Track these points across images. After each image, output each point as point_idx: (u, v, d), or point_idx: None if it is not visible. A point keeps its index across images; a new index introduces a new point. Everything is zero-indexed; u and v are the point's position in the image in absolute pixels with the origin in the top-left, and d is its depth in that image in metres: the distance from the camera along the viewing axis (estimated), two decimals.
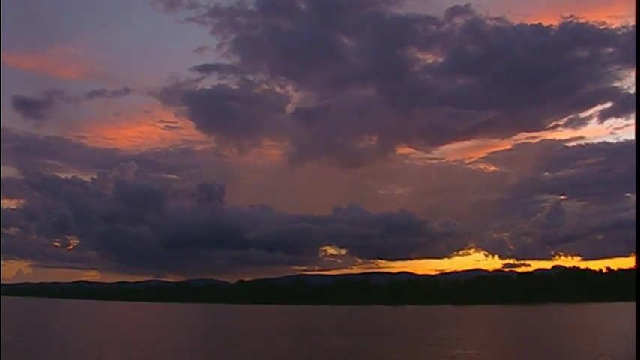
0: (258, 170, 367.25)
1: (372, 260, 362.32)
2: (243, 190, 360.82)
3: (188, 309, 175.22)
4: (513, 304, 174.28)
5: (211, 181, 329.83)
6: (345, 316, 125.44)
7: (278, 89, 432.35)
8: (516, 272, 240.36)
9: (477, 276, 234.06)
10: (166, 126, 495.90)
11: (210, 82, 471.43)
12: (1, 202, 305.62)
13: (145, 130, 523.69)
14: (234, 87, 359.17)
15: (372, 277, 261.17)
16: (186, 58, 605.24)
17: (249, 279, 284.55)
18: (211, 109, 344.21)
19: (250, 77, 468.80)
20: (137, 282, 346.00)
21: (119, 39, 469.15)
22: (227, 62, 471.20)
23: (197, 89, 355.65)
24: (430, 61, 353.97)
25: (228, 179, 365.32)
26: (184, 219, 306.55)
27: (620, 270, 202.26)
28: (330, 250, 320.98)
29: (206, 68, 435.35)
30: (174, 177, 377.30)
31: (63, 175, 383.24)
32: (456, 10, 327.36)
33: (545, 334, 64.26)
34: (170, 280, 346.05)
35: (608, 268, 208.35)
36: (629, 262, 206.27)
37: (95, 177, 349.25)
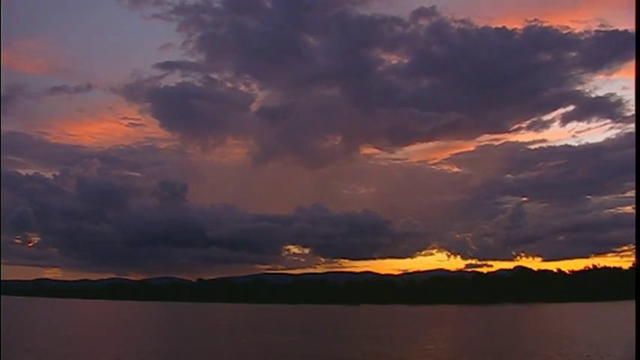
0: (222, 169, 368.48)
1: (335, 260, 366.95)
2: (207, 189, 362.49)
3: (147, 307, 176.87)
4: (473, 304, 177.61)
5: (174, 179, 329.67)
6: (296, 315, 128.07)
7: (243, 88, 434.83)
8: (478, 272, 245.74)
9: (436, 276, 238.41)
10: (130, 123, 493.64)
11: (174, 79, 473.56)
12: None
13: (109, 127, 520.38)
14: (198, 85, 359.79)
15: (334, 276, 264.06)
16: (151, 54, 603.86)
17: (211, 278, 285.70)
18: (175, 107, 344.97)
19: (215, 75, 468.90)
20: (99, 280, 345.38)
21: (83, 34, 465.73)
22: (192, 60, 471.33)
23: (161, 86, 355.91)
24: (395, 62, 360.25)
25: (192, 177, 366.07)
26: (147, 217, 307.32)
27: (580, 271, 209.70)
28: (294, 249, 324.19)
29: (169, 65, 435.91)
30: (137, 174, 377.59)
31: (24, 172, 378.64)
32: (421, 12, 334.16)
33: (495, 334, 67.54)
34: (132, 278, 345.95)
35: (569, 270, 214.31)
36: (588, 263, 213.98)
37: (57, 173, 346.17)
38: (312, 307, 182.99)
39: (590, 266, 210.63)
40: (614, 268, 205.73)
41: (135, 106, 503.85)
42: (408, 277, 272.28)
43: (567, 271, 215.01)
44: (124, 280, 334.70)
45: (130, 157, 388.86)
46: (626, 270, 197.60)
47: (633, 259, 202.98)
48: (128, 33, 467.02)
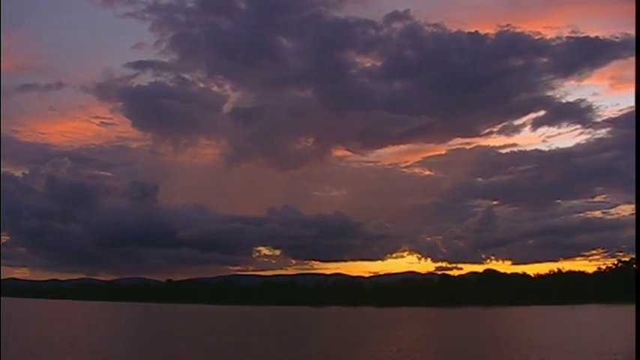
0: (194, 169, 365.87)
1: (306, 261, 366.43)
2: (178, 189, 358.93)
3: (114, 308, 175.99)
4: (441, 307, 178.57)
5: (145, 179, 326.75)
6: (260, 316, 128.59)
7: (215, 88, 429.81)
8: (448, 275, 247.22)
9: (406, 279, 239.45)
10: (101, 122, 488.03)
11: (146, 79, 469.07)
12: None
13: (80, 126, 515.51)
14: (171, 85, 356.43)
15: (304, 278, 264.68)
16: (124, 53, 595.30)
17: (181, 279, 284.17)
18: (147, 107, 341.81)
19: (188, 75, 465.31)
20: (68, 280, 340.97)
21: (55, 32, 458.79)
22: (165, 59, 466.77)
23: (133, 86, 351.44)
24: (368, 64, 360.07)
25: (163, 178, 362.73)
26: (117, 217, 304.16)
27: (548, 275, 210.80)
28: (264, 250, 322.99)
29: (141, 65, 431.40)
30: (108, 174, 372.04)
31: None
32: (395, 16, 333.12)
33: (452, 336, 68.71)
34: (102, 278, 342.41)
35: (538, 273, 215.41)
36: (557, 267, 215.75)
37: (27, 172, 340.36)
38: (280, 308, 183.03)
39: (557, 270, 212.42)
40: (581, 272, 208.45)
41: (106, 105, 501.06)
42: (378, 279, 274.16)
43: (536, 275, 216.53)
44: (94, 281, 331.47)
45: (101, 156, 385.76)
46: (591, 274, 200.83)
47: (601, 263, 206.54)
48: (100, 31, 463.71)
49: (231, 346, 55.01)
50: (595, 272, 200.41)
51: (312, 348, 53.76)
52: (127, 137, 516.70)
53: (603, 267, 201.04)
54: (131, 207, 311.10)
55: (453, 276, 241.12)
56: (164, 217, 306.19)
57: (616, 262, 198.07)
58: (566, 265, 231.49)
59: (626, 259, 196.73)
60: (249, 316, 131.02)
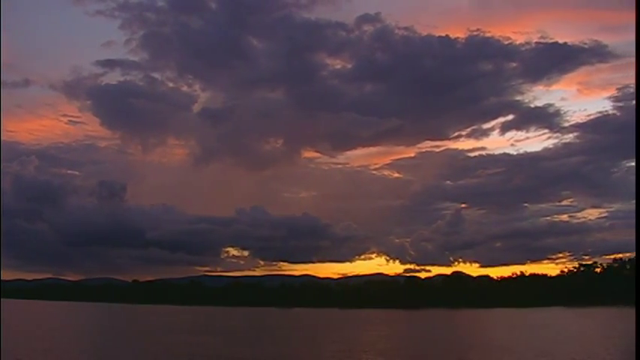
0: (163, 169, 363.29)
1: (275, 263, 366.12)
2: (147, 189, 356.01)
3: (78, 308, 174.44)
4: (406, 309, 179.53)
5: (113, 179, 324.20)
6: (223, 317, 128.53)
7: (185, 88, 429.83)
8: (416, 277, 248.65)
9: (374, 280, 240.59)
10: (70, 120, 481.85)
11: (115, 77, 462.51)
12: None
13: (48, 124, 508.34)
14: (140, 84, 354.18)
15: (272, 279, 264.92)
16: (93, 52, 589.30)
17: (148, 279, 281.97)
18: (116, 106, 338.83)
19: (157, 75, 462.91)
20: (34, 280, 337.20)
21: (22, 28, 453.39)
22: (135, 58, 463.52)
23: (102, 84, 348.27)
24: (339, 66, 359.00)
25: (132, 177, 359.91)
26: (85, 216, 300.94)
27: (514, 277, 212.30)
28: (233, 251, 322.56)
29: (110, 63, 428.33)
30: (76, 173, 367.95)
31: None
32: (366, 18, 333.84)
33: (408, 337, 69.74)
34: (69, 278, 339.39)
35: (504, 276, 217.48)
36: (524, 270, 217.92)
37: None
38: (245, 309, 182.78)
39: (520, 272, 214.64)
40: (544, 275, 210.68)
41: (75, 104, 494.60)
42: (345, 280, 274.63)
43: (500, 278, 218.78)
44: (60, 281, 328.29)
45: (69, 155, 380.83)
46: (555, 277, 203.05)
47: (563, 266, 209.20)
48: (70, 29, 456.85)
49: (180, 346, 54.97)
50: (558, 275, 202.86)
51: (267, 348, 53.98)
52: (95, 136, 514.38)
53: (566, 270, 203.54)
54: (99, 206, 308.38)
55: (421, 278, 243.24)
56: (132, 217, 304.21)
57: (577, 266, 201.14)
58: (533, 269, 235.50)
59: (589, 262, 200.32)
60: (210, 317, 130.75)
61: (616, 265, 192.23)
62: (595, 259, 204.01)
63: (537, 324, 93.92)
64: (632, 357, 36.78)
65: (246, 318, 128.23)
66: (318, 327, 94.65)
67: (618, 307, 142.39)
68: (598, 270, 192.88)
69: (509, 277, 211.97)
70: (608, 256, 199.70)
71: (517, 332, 75.60)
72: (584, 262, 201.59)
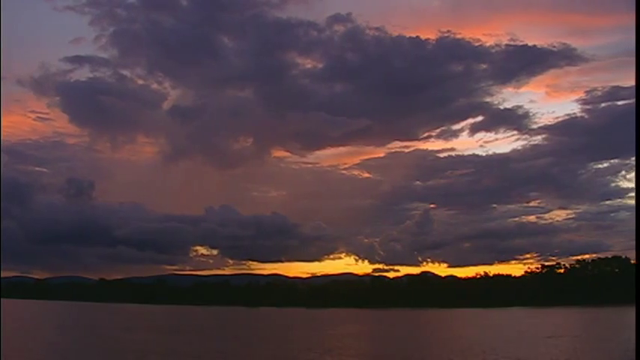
0: (132, 167, 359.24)
1: (243, 262, 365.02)
2: (115, 187, 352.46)
3: (41, 307, 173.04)
4: (373, 308, 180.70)
5: (82, 176, 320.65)
6: (185, 316, 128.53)
7: (155, 85, 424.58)
8: (385, 277, 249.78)
9: (342, 280, 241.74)
10: (38, 117, 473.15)
11: (84, 74, 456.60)
12: None
13: (15, 120, 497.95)
14: (110, 81, 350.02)
15: (241, 278, 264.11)
16: (62, 48, 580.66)
17: (115, 277, 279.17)
18: (85, 102, 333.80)
19: (127, 72, 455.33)
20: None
21: None
22: (104, 55, 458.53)
23: (71, 81, 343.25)
24: (309, 66, 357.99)
25: (100, 175, 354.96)
26: (52, 214, 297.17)
27: (478, 277, 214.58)
28: (202, 250, 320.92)
29: (78, 60, 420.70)
30: (44, 170, 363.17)
31: None
32: (337, 18, 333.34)
33: (364, 337, 70.49)
34: (36, 276, 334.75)
35: (471, 276, 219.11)
36: (493, 270, 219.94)
37: None
38: (211, 308, 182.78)
39: (484, 273, 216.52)
40: (509, 275, 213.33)
41: (43, 100, 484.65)
42: (314, 280, 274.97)
43: (467, 278, 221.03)
44: (27, 279, 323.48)
45: (36, 152, 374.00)
46: (519, 277, 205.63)
47: (529, 267, 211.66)
48: (38, 24, 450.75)
49: (132, 343, 55.12)
50: (522, 276, 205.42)
51: (218, 345, 54.40)
52: (63, 133, 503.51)
53: (530, 271, 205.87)
54: (67, 204, 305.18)
55: (389, 278, 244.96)
56: (100, 215, 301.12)
57: (540, 267, 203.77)
58: (500, 269, 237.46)
59: (552, 263, 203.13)
60: (173, 316, 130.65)
61: (578, 266, 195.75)
62: (561, 260, 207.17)
63: (494, 324, 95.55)
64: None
65: (210, 317, 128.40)
66: (281, 326, 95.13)
67: (580, 307, 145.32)
68: (561, 271, 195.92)
69: (475, 278, 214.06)
70: (574, 257, 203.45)
71: (473, 331, 76.86)
72: (546, 264, 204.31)
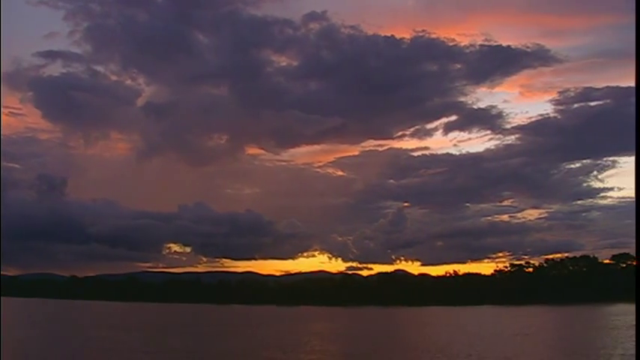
0: (105, 163, 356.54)
1: (217, 259, 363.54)
2: (88, 183, 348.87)
3: (13, 304, 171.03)
4: (346, 306, 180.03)
5: (54, 172, 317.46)
6: (154, 314, 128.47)
7: (129, 82, 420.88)
8: (358, 275, 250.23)
9: (314, 278, 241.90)
10: (10, 112, 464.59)
11: (57, 69, 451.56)
12: None
13: None
14: (83, 76, 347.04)
15: (214, 276, 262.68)
16: (36, 43, 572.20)
17: (87, 275, 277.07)
18: (59, 98, 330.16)
19: (101, 68, 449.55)
20: None
21: None
22: (78, 51, 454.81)
23: (44, 76, 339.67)
24: (284, 63, 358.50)
25: (73, 171, 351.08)
26: (24, 210, 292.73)
27: (447, 276, 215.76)
28: (175, 247, 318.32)
29: (52, 55, 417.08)
30: (16, 166, 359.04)
31: None
32: (312, 16, 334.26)
33: (321, 334, 70.70)
34: (7, 273, 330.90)
35: (441, 274, 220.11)
36: (464, 269, 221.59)
37: None
38: (182, 305, 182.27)
39: (454, 272, 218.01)
40: (480, 274, 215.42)
41: (16, 95, 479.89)
42: (287, 278, 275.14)
43: (438, 276, 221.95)
44: None
45: (8, 147, 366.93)
46: (489, 276, 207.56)
47: (498, 265, 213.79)
48: (11, 18, 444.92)
49: (92, 340, 55.05)
50: (492, 275, 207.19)
51: (174, 342, 54.42)
52: (36, 129, 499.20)
53: (499, 269, 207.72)
54: (39, 200, 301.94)
55: (362, 276, 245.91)
56: (73, 212, 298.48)
57: (508, 266, 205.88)
58: (471, 268, 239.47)
59: (521, 262, 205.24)
60: (143, 313, 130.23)
61: (546, 265, 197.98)
62: (532, 259, 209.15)
63: (459, 322, 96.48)
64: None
65: (177, 314, 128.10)
66: (247, 323, 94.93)
67: (548, 306, 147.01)
68: (530, 270, 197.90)
69: (447, 276, 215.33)
70: (546, 256, 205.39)
71: (436, 330, 77.53)
72: (515, 263, 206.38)
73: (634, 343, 48.91)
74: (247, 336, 64.99)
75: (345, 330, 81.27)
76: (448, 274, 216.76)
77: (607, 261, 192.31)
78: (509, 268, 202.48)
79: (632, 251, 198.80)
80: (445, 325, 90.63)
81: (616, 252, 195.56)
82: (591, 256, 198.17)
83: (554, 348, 50.66)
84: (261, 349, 50.30)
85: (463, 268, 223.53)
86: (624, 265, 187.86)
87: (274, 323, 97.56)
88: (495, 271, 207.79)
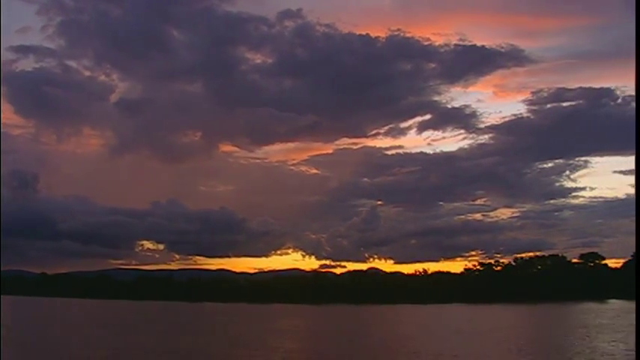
0: (77, 159, 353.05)
1: (191, 257, 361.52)
2: (60, 179, 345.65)
3: None
4: (317, 304, 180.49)
5: (26, 168, 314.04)
6: (123, 311, 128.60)
7: (103, 77, 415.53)
8: (331, 273, 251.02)
9: (286, 276, 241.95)
10: None
11: (29, 64, 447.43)
12: None
13: None
14: (56, 71, 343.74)
15: (187, 273, 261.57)
16: (8, 37, 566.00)
17: (58, 272, 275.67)
18: (31, 93, 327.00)
19: (74, 63, 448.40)
20: None
21: None
22: (51, 45, 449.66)
23: (17, 70, 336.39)
24: (259, 61, 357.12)
25: (45, 167, 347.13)
26: None
27: (421, 274, 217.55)
28: (148, 244, 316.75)
29: (23, 49, 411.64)
30: None
31: None
32: (287, 14, 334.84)
33: (281, 331, 71.45)
34: None
35: (412, 273, 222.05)
36: (435, 267, 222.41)
37: None
38: (153, 303, 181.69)
39: (424, 270, 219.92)
40: (450, 272, 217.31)
41: None
42: (260, 275, 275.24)
43: (410, 274, 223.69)
44: None
45: None
46: (459, 274, 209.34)
47: (466, 264, 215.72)
48: None
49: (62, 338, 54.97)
50: (462, 273, 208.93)
51: (131, 339, 54.41)
52: (8, 124, 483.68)
53: (468, 268, 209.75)
54: (10, 196, 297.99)
55: (335, 274, 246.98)
56: (44, 208, 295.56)
57: (476, 264, 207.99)
58: (442, 266, 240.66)
59: (489, 261, 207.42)
60: (112, 310, 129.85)
61: (515, 264, 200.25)
62: (501, 258, 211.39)
63: (423, 320, 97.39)
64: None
65: (147, 311, 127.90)
66: (213, 320, 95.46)
67: (516, 304, 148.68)
68: (498, 268, 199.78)
69: (418, 274, 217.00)
70: (518, 255, 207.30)
71: (399, 327, 78.32)
72: (484, 261, 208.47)
73: (608, 341, 51.49)
74: (209, 333, 65.28)
75: (310, 327, 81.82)
76: (418, 273, 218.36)
77: (575, 260, 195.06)
78: (478, 267, 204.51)
79: (601, 250, 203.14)
80: (409, 323, 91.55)
81: (585, 251, 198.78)
82: (560, 255, 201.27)
83: (502, 345, 51.37)
84: (219, 346, 50.50)
85: (436, 267, 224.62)
86: (592, 265, 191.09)
87: (241, 321, 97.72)
88: (465, 269, 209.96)
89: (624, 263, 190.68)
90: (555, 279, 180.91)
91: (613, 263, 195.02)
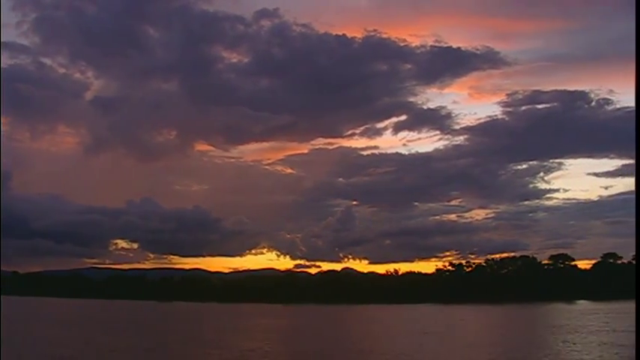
0: (51, 157, 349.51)
1: (165, 256, 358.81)
2: (34, 177, 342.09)
3: None
4: (288, 304, 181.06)
5: None
6: (94, 310, 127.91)
7: (78, 75, 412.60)
8: (306, 273, 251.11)
9: (259, 275, 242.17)
10: None
11: (3, 60, 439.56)
12: None
13: None
14: (30, 68, 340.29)
15: (160, 272, 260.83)
16: None
17: (30, 271, 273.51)
18: (4, 90, 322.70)
19: (49, 60, 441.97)
20: None
21: None
22: (25, 42, 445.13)
23: None
24: (235, 60, 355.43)
25: (18, 165, 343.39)
26: None
27: (392, 274, 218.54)
28: (122, 243, 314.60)
29: None
30: None
31: None
32: (264, 13, 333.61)
33: (243, 330, 71.74)
34: None
35: (389, 273, 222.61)
36: (410, 267, 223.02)
37: None
38: (125, 302, 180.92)
39: (395, 270, 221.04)
40: (422, 273, 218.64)
41: None
42: (234, 275, 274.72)
43: (384, 274, 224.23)
44: None
45: None
46: (431, 275, 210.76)
47: (441, 264, 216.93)
48: None
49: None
50: (434, 273, 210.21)
51: (95, 337, 54.43)
52: None
53: (439, 268, 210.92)
54: None
55: (309, 273, 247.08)
56: (17, 206, 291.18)
57: (447, 265, 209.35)
58: (419, 267, 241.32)
59: (461, 262, 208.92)
60: (83, 309, 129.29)
61: (485, 264, 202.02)
62: (475, 259, 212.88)
63: (389, 321, 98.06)
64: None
65: (116, 310, 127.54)
66: (179, 320, 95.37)
67: (486, 305, 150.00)
68: (470, 269, 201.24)
69: (391, 274, 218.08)
70: (492, 255, 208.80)
71: (364, 328, 78.89)
72: (455, 262, 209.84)
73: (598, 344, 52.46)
74: (170, 332, 65.31)
75: (276, 327, 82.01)
76: (390, 273, 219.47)
77: (546, 261, 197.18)
78: (449, 268, 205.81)
79: (572, 252, 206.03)
80: (377, 322, 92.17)
81: (557, 252, 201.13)
82: (530, 256, 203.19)
83: (459, 342, 52.07)
84: (176, 344, 50.68)
85: (408, 267, 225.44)
86: (562, 266, 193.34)
87: (207, 320, 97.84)
88: (437, 270, 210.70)
89: (594, 264, 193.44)
90: (525, 280, 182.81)
91: (583, 264, 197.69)
